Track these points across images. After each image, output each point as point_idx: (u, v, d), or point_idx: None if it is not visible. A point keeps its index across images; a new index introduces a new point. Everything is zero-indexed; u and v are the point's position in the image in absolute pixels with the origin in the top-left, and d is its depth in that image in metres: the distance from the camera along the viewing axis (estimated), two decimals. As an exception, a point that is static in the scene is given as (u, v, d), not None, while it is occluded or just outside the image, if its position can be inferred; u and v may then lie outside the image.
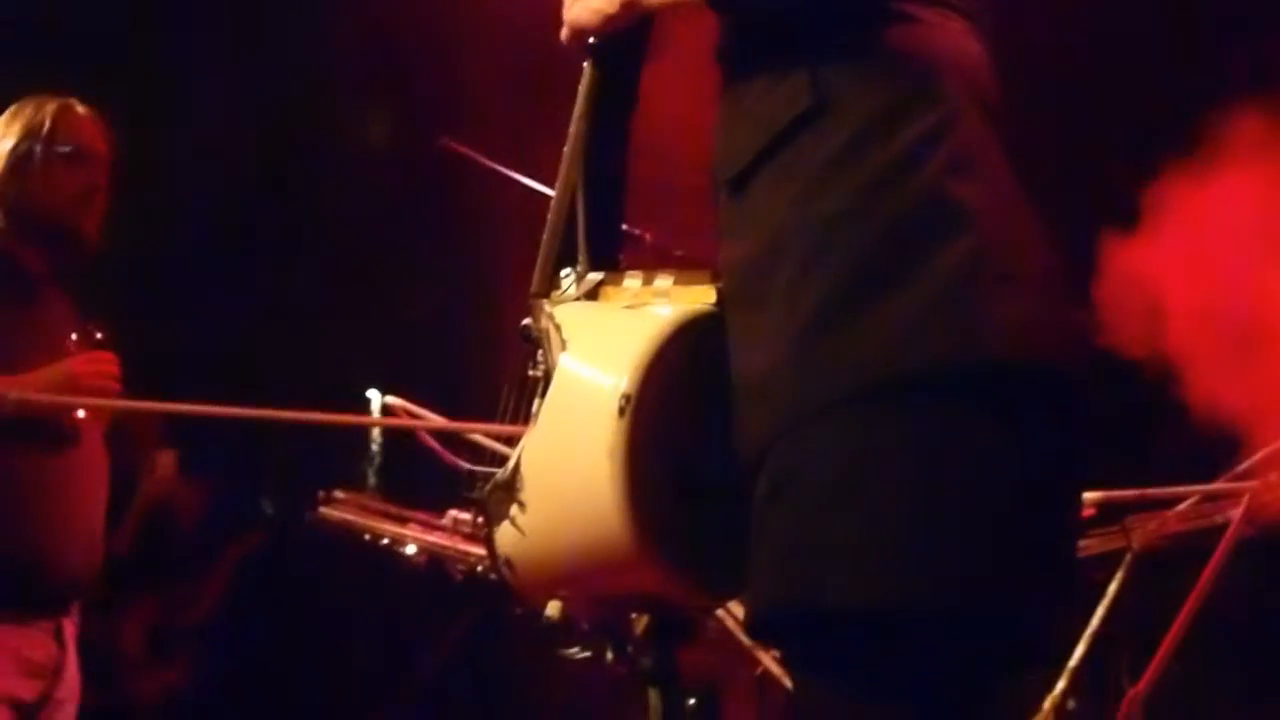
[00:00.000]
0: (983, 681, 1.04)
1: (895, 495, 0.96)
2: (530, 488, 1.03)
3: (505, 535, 1.06)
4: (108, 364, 2.03)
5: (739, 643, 1.66)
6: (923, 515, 0.96)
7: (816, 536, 0.97)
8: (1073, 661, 1.89)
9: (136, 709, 2.95)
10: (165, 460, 2.86)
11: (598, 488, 0.98)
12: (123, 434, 2.27)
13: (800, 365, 0.98)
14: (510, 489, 1.04)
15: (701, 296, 1.07)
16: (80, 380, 1.98)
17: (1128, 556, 1.87)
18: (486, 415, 1.25)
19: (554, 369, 1.06)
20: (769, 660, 1.70)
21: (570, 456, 1.02)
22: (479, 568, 2.02)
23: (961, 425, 0.97)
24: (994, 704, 1.09)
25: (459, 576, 2.09)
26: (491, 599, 2.17)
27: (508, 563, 1.06)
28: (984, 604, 0.98)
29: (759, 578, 1.00)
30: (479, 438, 1.43)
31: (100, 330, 2.11)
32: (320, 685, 2.78)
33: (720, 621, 1.59)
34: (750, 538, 1.00)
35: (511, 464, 1.05)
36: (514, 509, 1.04)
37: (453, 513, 2.03)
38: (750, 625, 1.03)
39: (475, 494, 1.09)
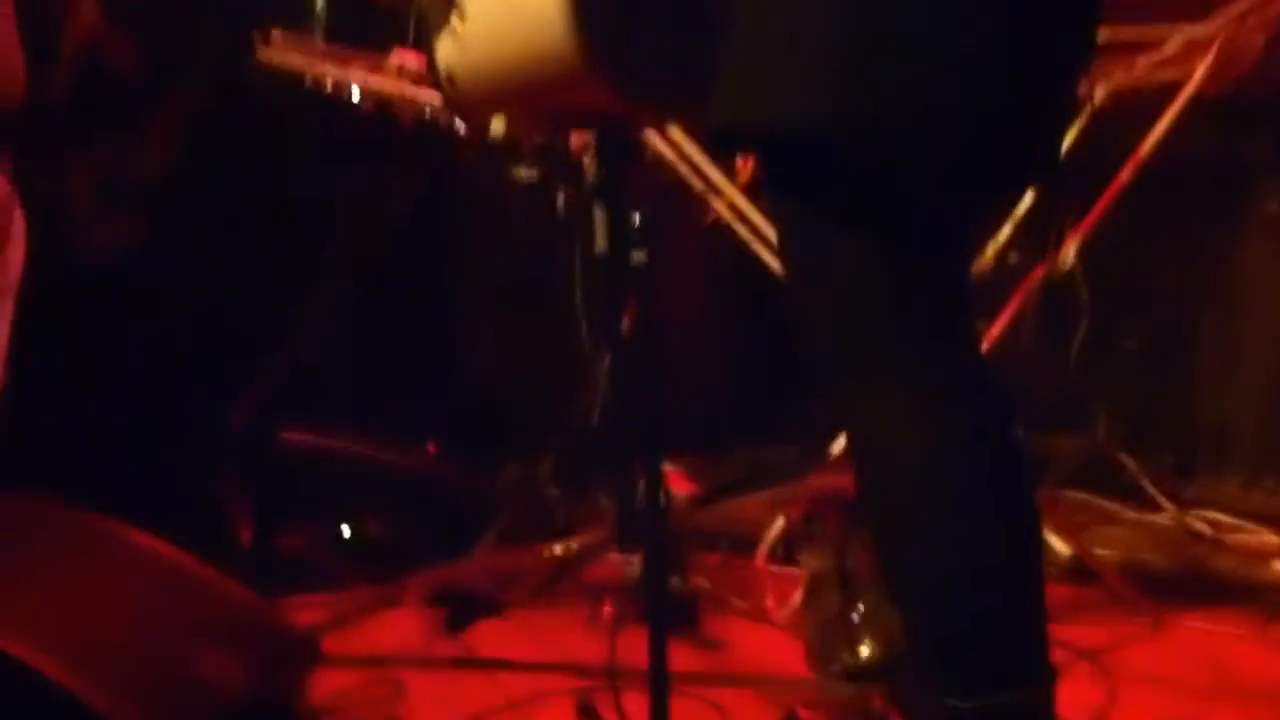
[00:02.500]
0: (957, 209, 1.00)
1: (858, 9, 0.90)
2: (470, -7, 0.98)
3: (445, 47, 1.01)
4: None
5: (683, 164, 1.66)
6: (887, 29, 0.90)
7: (771, 46, 0.92)
8: (1019, 210, 1.92)
9: (88, 264, 2.98)
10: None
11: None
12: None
13: None
14: (449, -2, 0.99)
15: None
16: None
17: (1088, 106, 1.85)
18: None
19: None
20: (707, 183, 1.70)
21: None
22: (428, 113, 1.96)
23: None
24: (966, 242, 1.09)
25: (408, 123, 2.04)
26: (443, 148, 2.14)
27: (449, 77, 1.03)
28: (961, 124, 0.93)
29: (722, 90, 0.94)
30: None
31: None
32: (270, 240, 2.76)
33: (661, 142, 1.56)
34: (701, 44, 0.95)
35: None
36: (454, 18, 0.99)
37: (398, 54, 1.94)
38: (708, 139, 1.00)
39: (413, 5, 1.03)
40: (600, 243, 1.04)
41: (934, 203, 0.97)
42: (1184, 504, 2.31)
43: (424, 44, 1.04)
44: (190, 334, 2.32)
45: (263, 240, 2.67)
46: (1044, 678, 0.98)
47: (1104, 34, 1.83)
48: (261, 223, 2.71)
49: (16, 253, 1.97)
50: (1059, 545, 1.91)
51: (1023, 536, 0.99)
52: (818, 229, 0.97)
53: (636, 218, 1.05)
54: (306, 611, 1.89)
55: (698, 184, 1.80)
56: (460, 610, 1.92)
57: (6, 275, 1.94)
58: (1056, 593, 1.83)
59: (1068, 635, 1.71)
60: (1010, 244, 1.96)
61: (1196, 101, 1.85)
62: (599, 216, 1.04)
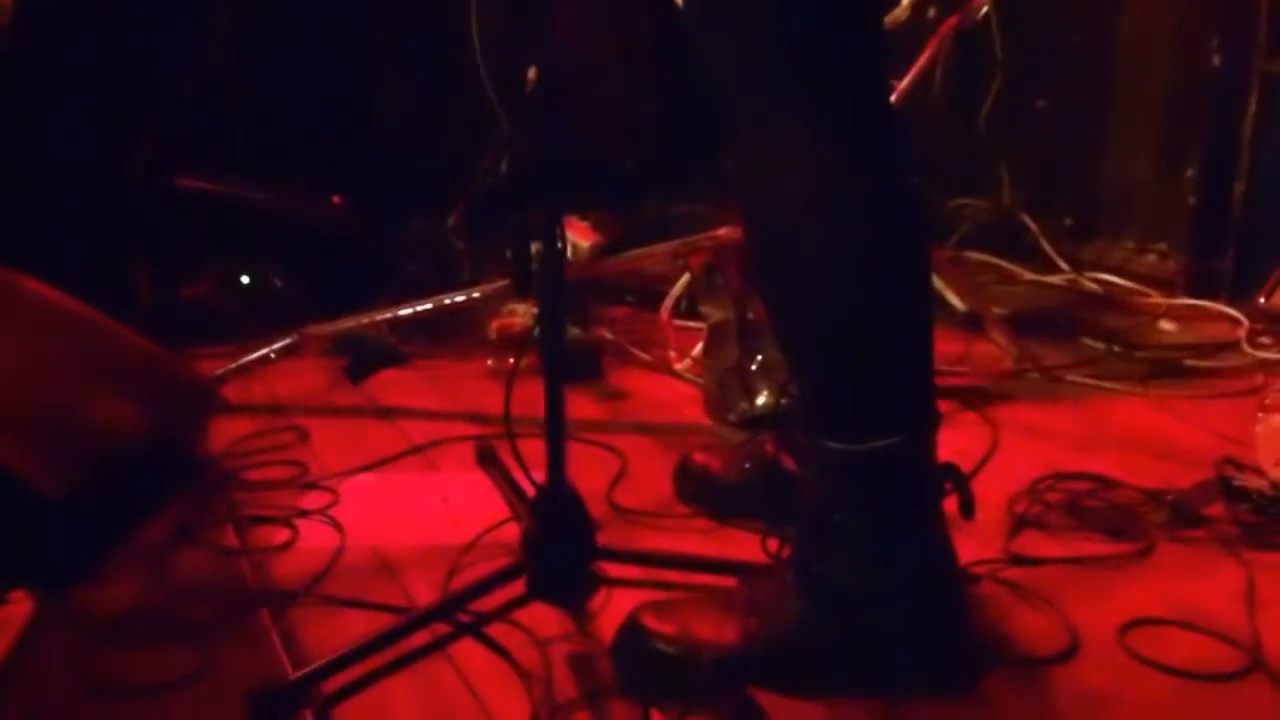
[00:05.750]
0: None
1: None
2: None
3: None
4: None
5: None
6: None
7: None
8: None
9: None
10: None
11: None
12: None
13: None
14: None
15: None
16: None
17: None
18: None
19: None
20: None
21: None
22: None
23: None
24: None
25: None
26: None
27: None
28: None
29: None
30: None
31: None
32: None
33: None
34: None
35: None
36: None
37: None
38: None
39: None
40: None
41: None
42: (1080, 266, 2.36)
43: None
44: (85, 76, 2.20)
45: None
46: (928, 422, 1.00)
47: None
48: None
49: None
50: (955, 300, 1.94)
51: (911, 284, 0.99)
52: None
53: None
54: (207, 360, 1.88)
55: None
56: (361, 360, 1.92)
57: None
58: (949, 346, 1.89)
59: (956, 385, 1.76)
60: (928, -3, 1.92)
61: None
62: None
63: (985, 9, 1.80)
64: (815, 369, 1.01)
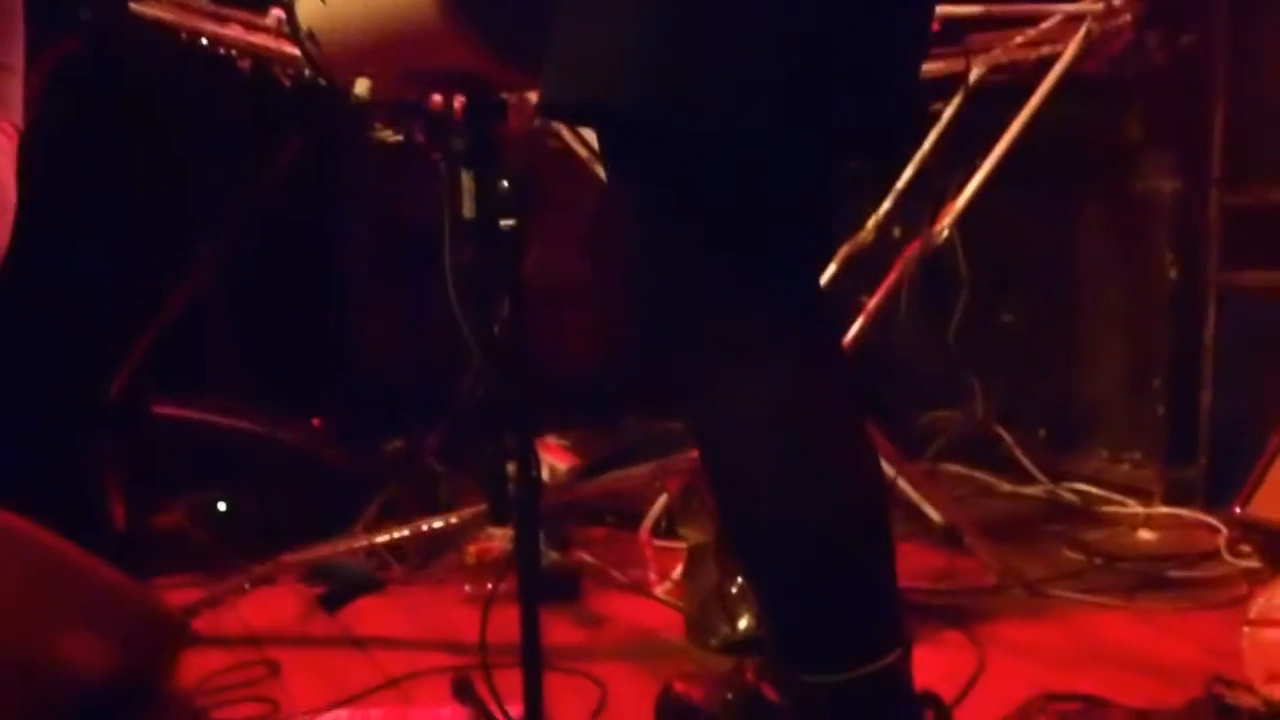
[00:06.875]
0: (800, 186, 0.96)
1: None
2: (329, -52, 0.94)
3: (306, 6, 0.98)
4: None
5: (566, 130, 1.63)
6: (748, 7, 0.86)
7: (607, 27, 0.86)
8: (899, 184, 1.94)
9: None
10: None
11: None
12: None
13: None
14: (308, -50, 0.95)
15: None
16: None
17: (965, 82, 1.87)
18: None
19: None
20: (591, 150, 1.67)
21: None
22: (306, 71, 1.90)
23: None
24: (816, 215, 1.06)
25: (287, 82, 1.98)
26: (324, 109, 2.08)
27: (310, 34, 0.99)
28: (800, 117, 0.89)
29: (549, 63, 0.90)
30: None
31: None
32: (145, 202, 2.65)
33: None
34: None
35: (308, -77, 0.95)
36: (314, -27, 0.96)
37: (276, 12, 1.88)
38: (540, 107, 0.94)
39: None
40: (467, 209, 1.02)
41: (757, 189, 0.93)
42: (1056, 476, 2.37)
43: (285, 2, 1.00)
44: (60, 300, 2.23)
45: (137, 201, 2.58)
46: (901, 644, 0.98)
47: (982, 9, 1.88)
48: (136, 183, 2.62)
49: None
50: (933, 514, 1.94)
51: (868, 510, 0.98)
52: (652, 209, 0.94)
53: (505, 184, 1.02)
54: (180, 590, 1.84)
55: (582, 150, 1.77)
56: (337, 588, 1.89)
57: None
58: (930, 561, 1.87)
59: (940, 604, 1.74)
60: (892, 217, 1.98)
61: (1072, 79, 1.89)
62: (465, 182, 1.02)
63: (946, 232, 1.86)
64: (775, 598, 1.00)
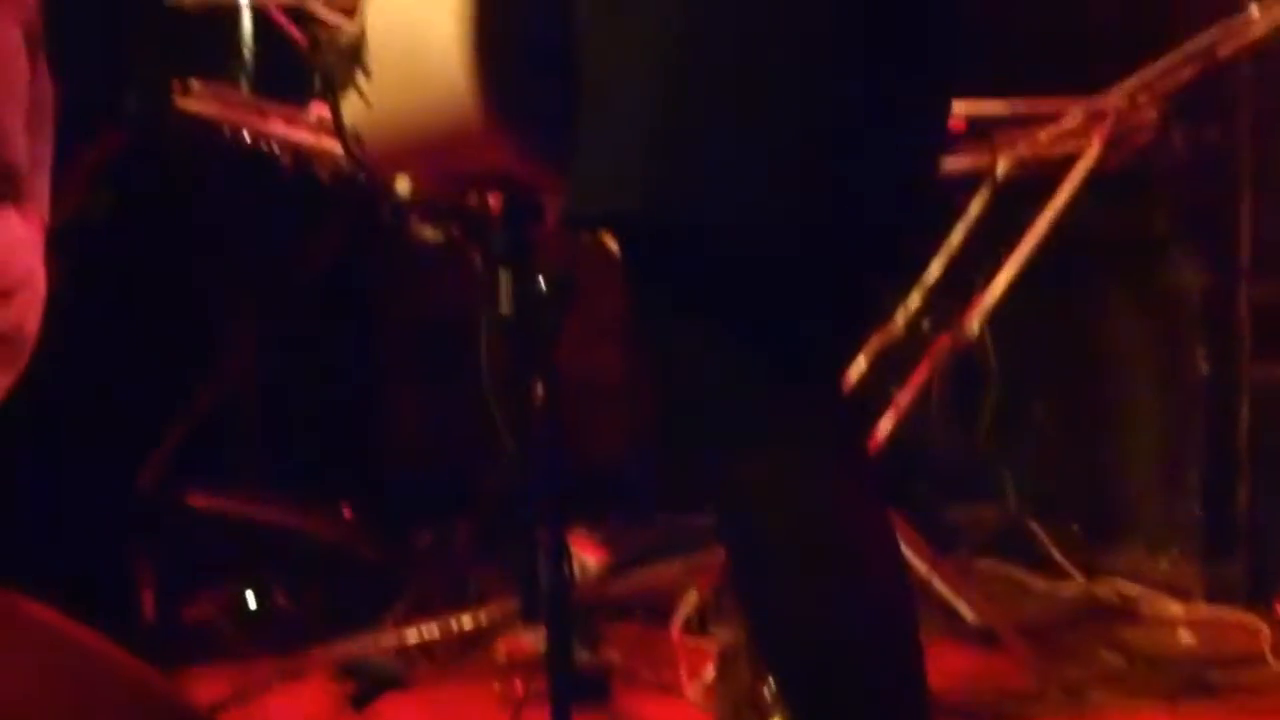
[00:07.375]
0: (826, 294, 0.98)
1: (719, 88, 0.88)
2: (375, 52, 0.97)
3: (351, 105, 1.00)
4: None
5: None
6: (751, 113, 0.88)
7: (629, 131, 0.89)
8: (928, 279, 1.95)
9: None
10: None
11: (443, 48, 0.92)
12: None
13: None
14: (354, 55, 0.98)
15: None
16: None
17: (992, 177, 1.89)
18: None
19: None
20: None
21: (414, 18, 0.95)
22: (346, 169, 1.94)
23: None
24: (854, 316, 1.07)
25: (326, 177, 2.02)
26: (362, 203, 2.12)
27: (355, 135, 1.01)
28: (820, 218, 0.91)
29: (574, 168, 0.93)
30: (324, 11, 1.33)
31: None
32: (183, 295, 2.69)
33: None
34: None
35: (355, 28, 0.98)
36: (359, 76, 0.98)
37: (316, 108, 1.92)
38: (563, 217, 0.97)
39: (317, 61, 1.02)
40: (504, 307, 1.03)
41: (770, 291, 0.95)
42: (1091, 573, 2.33)
43: (329, 101, 1.02)
44: (91, 389, 2.25)
45: (174, 295, 2.62)
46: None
47: (1006, 107, 1.90)
48: (174, 277, 2.66)
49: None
50: (966, 612, 1.91)
51: (895, 612, 0.96)
52: (667, 316, 0.96)
53: (542, 282, 1.04)
54: (208, 683, 1.83)
55: (612, 243, 1.78)
56: (366, 684, 1.87)
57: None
58: (964, 662, 1.84)
59: (976, 705, 1.71)
60: (922, 311, 1.98)
61: (1099, 174, 1.90)
62: (503, 280, 1.03)
63: (976, 330, 1.86)
64: (802, 703, 0.98)
